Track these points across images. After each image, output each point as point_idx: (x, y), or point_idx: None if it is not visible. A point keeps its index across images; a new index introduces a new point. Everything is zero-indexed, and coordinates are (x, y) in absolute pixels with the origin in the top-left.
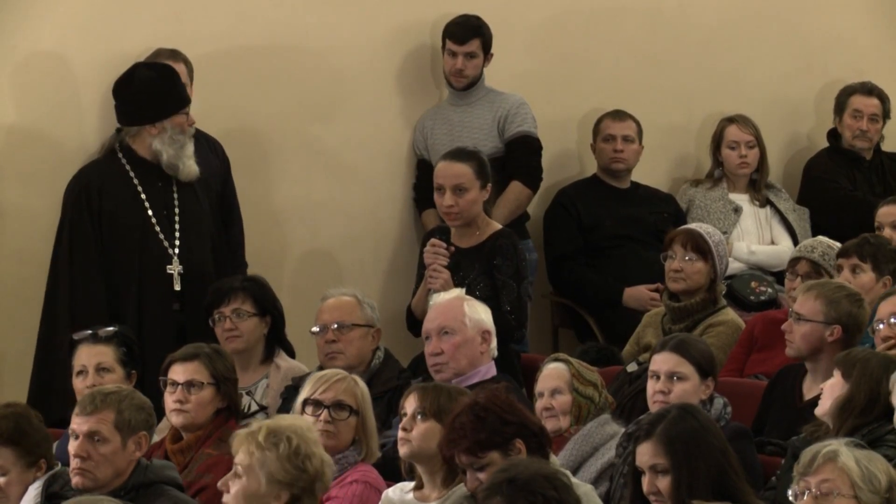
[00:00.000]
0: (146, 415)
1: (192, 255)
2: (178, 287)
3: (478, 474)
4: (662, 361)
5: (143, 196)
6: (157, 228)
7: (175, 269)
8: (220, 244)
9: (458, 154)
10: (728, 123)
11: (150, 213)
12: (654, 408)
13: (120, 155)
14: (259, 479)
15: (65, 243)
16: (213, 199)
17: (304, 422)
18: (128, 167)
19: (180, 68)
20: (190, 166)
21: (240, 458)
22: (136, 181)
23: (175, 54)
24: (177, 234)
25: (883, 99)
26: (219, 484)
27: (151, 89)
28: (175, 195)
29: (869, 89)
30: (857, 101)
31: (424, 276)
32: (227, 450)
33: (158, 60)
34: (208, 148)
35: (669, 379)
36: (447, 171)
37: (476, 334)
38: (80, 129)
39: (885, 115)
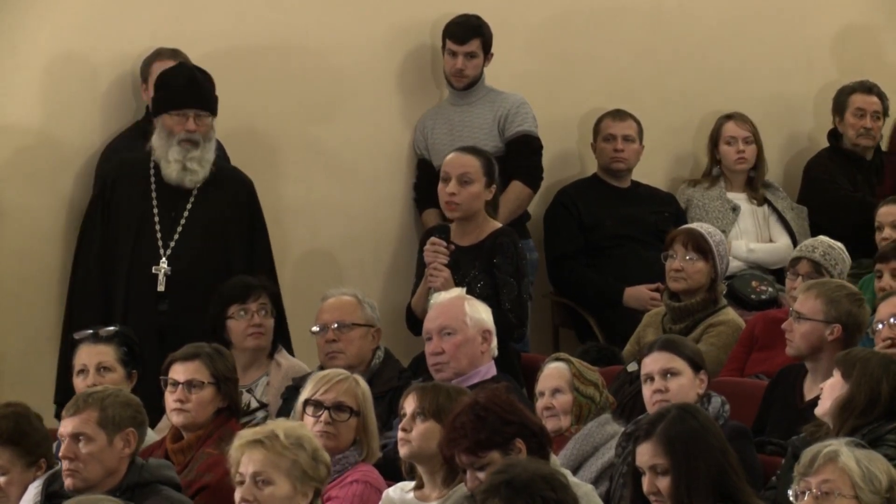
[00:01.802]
0: (133, 411)
1: (185, 258)
2: (161, 288)
3: (478, 474)
4: (653, 362)
5: (153, 193)
6: (158, 227)
7: (161, 269)
8: (244, 251)
9: (470, 149)
10: (726, 120)
11: (154, 210)
12: (653, 410)
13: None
14: (290, 480)
15: (78, 237)
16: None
17: (299, 424)
18: (152, 163)
19: None
20: (170, 169)
21: (259, 466)
22: (153, 178)
23: (175, 54)
24: (175, 237)
25: (882, 97)
26: (239, 499)
27: (158, 84)
28: (191, 198)
29: (868, 87)
30: (859, 100)
31: (424, 274)
32: (228, 450)
33: (159, 59)
34: None
35: (663, 377)
36: (456, 161)
37: (477, 334)
38: (81, 129)
39: (885, 112)
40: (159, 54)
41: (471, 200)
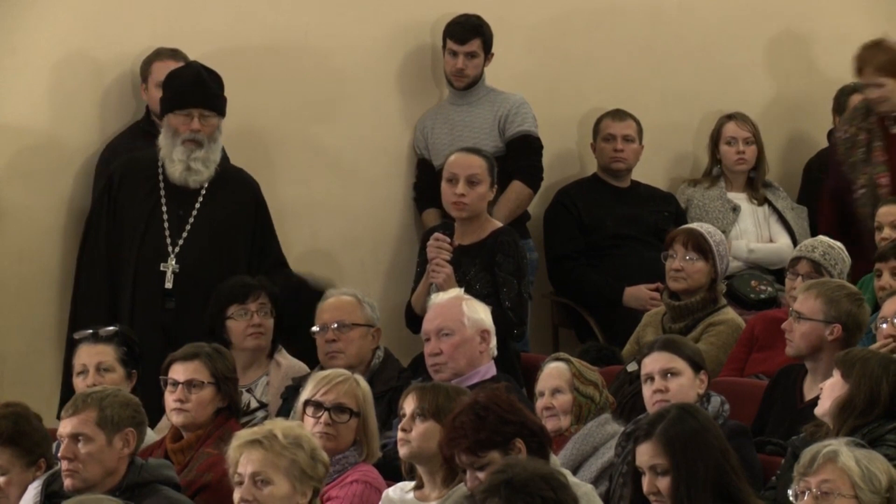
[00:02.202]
0: (132, 411)
1: (193, 256)
2: (168, 285)
3: (478, 474)
4: (654, 361)
5: (161, 192)
6: (166, 225)
7: (169, 266)
8: (251, 251)
9: (473, 149)
10: (726, 120)
11: (163, 209)
12: (653, 410)
13: None
14: (288, 479)
15: (83, 234)
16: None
17: (297, 423)
18: (160, 160)
19: None
20: (174, 169)
21: (258, 466)
22: (161, 176)
23: (175, 53)
24: (183, 235)
25: None
26: (238, 499)
27: (166, 84)
28: (200, 197)
29: None
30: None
31: (426, 271)
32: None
33: (158, 59)
34: None
35: (664, 377)
36: (462, 162)
37: (475, 334)
38: (81, 129)
39: None
40: (159, 54)
41: (478, 201)
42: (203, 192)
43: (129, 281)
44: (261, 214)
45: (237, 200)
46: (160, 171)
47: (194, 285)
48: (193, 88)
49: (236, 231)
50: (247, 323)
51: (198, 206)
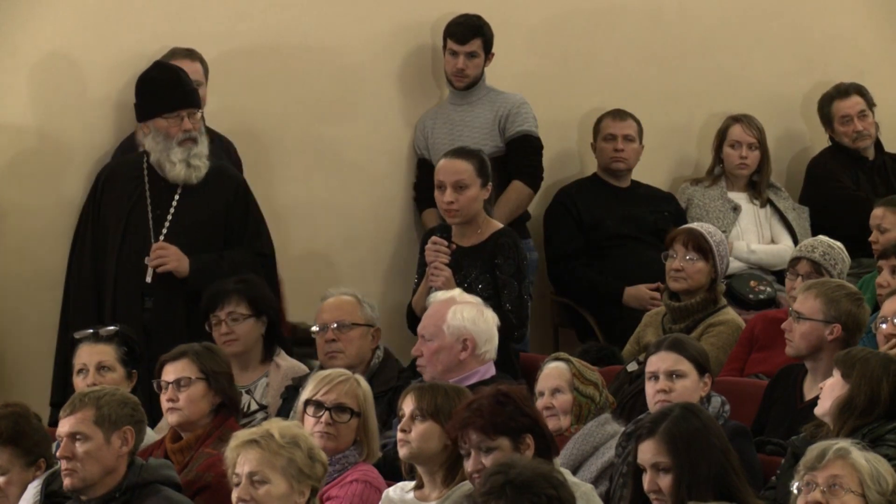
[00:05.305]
0: (130, 410)
1: None
2: (148, 279)
3: (482, 458)
4: (660, 361)
5: (146, 192)
6: (150, 224)
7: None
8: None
9: (460, 152)
10: (733, 122)
11: (148, 207)
12: (655, 409)
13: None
14: (286, 479)
15: (73, 237)
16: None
17: (294, 423)
18: (145, 163)
19: (195, 67)
20: (176, 171)
21: (255, 465)
22: (146, 175)
23: (191, 53)
24: (162, 234)
25: (862, 92)
26: (236, 499)
27: (143, 88)
28: (176, 196)
29: (845, 90)
30: (840, 107)
31: (425, 273)
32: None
33: (174, 59)
34: (221, 149)
35: (669, 378)
36: (448, 168)
37: (455, 342)
38: (84, 130)
39: (870, 105)
40: (174, 54)
41: (469, 204)
42: (180, 189)
43: (110, 282)
44: (239, 208)
45: (215, 197)
46: (145, 170)
47: (170, 285)
48: (176, 90)
49: (213, 228)
50: (219, 332)
51: (174, 205)
